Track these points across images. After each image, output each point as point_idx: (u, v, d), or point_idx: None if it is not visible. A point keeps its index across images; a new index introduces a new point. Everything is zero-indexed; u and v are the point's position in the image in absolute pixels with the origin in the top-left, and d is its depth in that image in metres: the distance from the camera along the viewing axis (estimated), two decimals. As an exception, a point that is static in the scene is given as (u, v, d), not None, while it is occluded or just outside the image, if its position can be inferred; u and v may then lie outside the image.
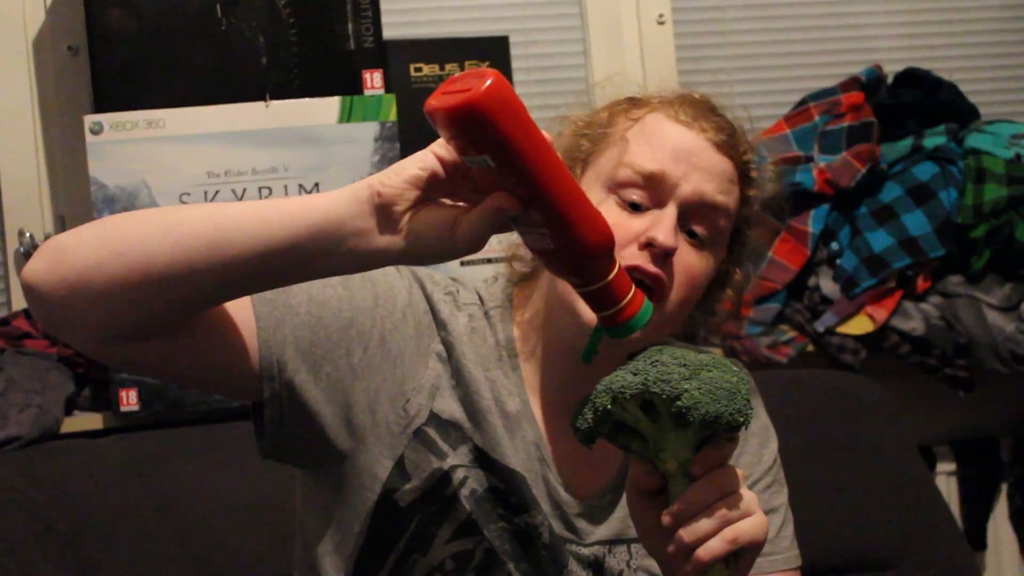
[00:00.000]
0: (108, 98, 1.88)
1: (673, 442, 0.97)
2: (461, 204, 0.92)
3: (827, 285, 2.29)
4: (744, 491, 0.99)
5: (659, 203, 1.15)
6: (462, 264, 1.91)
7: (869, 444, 2.02)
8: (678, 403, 0.95)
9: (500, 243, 1.16)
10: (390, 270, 1.19)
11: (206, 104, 1.88)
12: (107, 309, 0.95)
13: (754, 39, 2.53)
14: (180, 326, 1.01)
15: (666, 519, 0.98)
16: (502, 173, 0.88)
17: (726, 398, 0.95)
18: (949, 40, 2.60)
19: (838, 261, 2.30)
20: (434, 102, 0.88)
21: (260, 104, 1.90)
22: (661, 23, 2.45)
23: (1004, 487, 2.45)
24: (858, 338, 2.26)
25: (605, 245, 0.93)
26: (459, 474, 1.17)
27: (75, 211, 2.10)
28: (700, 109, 1.19)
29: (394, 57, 2.05)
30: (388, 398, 1.15)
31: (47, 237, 2.10)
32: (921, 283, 2.31)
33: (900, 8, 2.59)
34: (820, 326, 2.26)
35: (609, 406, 0.98)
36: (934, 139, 2.36)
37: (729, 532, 0.97)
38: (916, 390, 2.33)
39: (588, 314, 1.07)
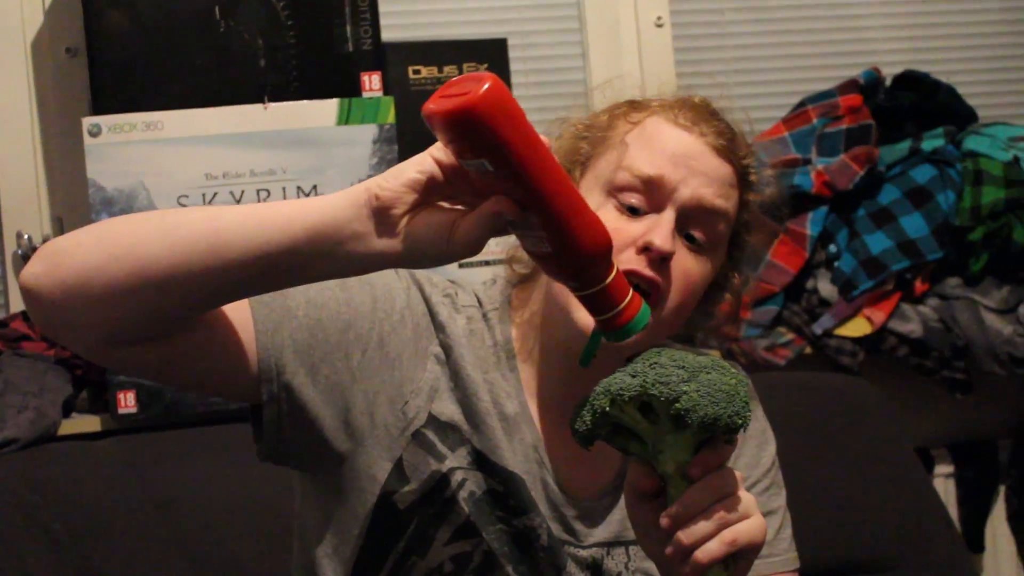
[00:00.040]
0: (106, 100, 1.88)
1: (671, 444, 0.98)
2: (459, 207, 0.92)
3: (825, 287, 2.30)
4: (742, 493, 0.99)
5: (657, 207, 1.15)
6: (460, 266, 1.91)
7: (867, 446, 2.02)
8: (677, 405, 0.95)
9: (498, 245, 1.16)
10: (388, 272, 1.19)
11: (204, 106, 1.88)
12: (105, 312, 0.95)
13: (752, 41, 2.53)
14: (178, 329, 1.01)
15: (664, 521, 0.98)
16: (500, 177, 0.88)
17: (725, 400, 0.95)
18: (947, 43, 2.61)
19: (836, 263, 2.31)
20: (432, 106, 0.88)
21: (258, 106, 1.90)
22: (659, 25, 2.45)
23: (1002, 489, 2.46)
24: (856, 340, 2.26)
25: (603, 249, 0.93)
26: (458, 476, 1.17)
27: (73, 213, 2.10)
28: (700, 113, 1.19)
29: (392, 59, 2.04)
30: (387, 400, 1.15)
31: (45, 239, 2.10)
32: (919, 285, 2.31)
33: (898, 11, 2.60)
34: (818, 328, 2.26)
35: (607, 408, 0.98)
36: (932, 142, 2.37)
37: (727, 534, 0.97)
38: (914, 392, 2.34)
39: (584, 319, 1.08)
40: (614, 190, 1.16)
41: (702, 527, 0.96)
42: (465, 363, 1.18)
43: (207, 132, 1.88)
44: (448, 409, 1.18)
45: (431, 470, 1.16)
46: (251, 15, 1.92)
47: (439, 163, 0.91)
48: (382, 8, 1.99)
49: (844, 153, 2.30)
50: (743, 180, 1.20)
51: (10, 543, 1.65)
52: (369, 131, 1.93)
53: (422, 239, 0.91)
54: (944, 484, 2.41)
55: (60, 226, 2.12)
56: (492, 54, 2.11)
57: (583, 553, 1.21)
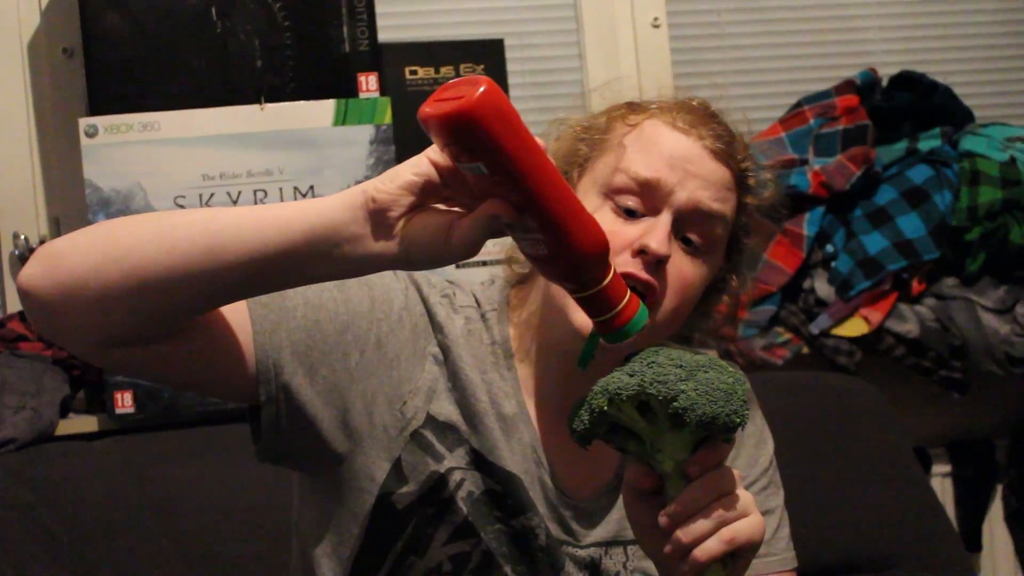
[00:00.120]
0: (103, 101, 1.88)
1: (670, 443, 0.98)
2: (456, 209, 0.92)
3: (822, 287, 2.30)
4: (741, 491, 0.99)
5: (654, 210, 1.15)
6: (458, 266, 1.91)
7: (864, 446, 2.02)
8: (675, 404, 0.95)
9: (496, 245, 1.16)
10: (387, 273, 1.19)
11: (201, 107, 1.88)
12: (103, 314, 0.95)
13: (749, 42, 2.53)
14: (176, 330, 1.01)
15: (663, 520, 0.98)
16: (496, 180, 0.88)
17: (723, 399, 0.95)
18: (944, 43, 2.61)
19: (833, 263, 2.31)
20: (427, 110, 0.88)
21: (255, 107, 1.90)
22: (656, 26, 2.45)
23: (999, 489, 2.46)
24: (853, 340, 2.26)
25: (600, 251, 0.93)
26: (456, 476, 1.17)
27: (70, 214, 2.10)
28: (698, 116, 1.19)
29: (389, 60, 2.04)
30: (385, 401, 1.16)
31: (42, 240, 2.10)
32: (916, 285, 2.31)
33: (895, 11, 2.60)
34: (815, 328, 2.26)
35: (605, 407, 0.98)
36: (929, 142, 2.37)
37: (726, 532, 0.97)
38: (911, 392, 2.34)
39: (582, 320, 1.08)
40: (611, 192, 1.16)
41: (700, 525, 0.96)
42: (463, 363, 1.18)
43: (204, 133, 1.88)
44: (446, 409, 1.18)
45: (429, 470, 1.17)
46: (248, 16, 1.92)
47: (436, 165, 0.91)
48: (379, 9, 1.99)
49: (841, 153, 2.31)
50: (741, 183, 1.20)
51: (8, 543, 1.65)
52: (366, 132, 1.93)
53: (419, 241, 0.91)
54: (942, 483, 2.41)
55: (57, 227, 2.12)
56: (489, 55, 2.11)
57: (581, 553, 1.21)
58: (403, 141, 1.93)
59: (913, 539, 1.97)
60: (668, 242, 1.13)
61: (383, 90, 1.97)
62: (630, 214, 1.15)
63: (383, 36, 2.04)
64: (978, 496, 2.44)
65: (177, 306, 0.97)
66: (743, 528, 0.98)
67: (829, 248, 2.32)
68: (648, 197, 1.15)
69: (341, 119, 1.92)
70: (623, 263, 1.12)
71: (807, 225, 2.30)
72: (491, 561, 1.18)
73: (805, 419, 2.01)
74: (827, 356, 2.26)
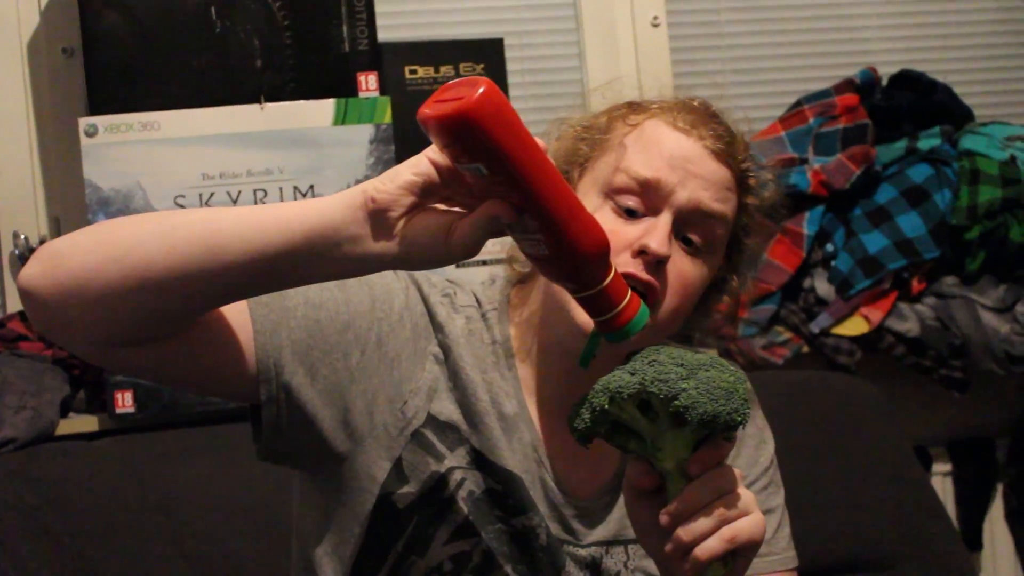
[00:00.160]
0: (103, 100, 1.88)
1: (671, 441, 0.98)
2: (456, 210, 0.92)
3: (822, 286, 2.30)
4: (742, 490, 0.99)
5: (654, 210, 1.15)
6: (458, 265, 1.91)
7: (865, 445, 2.02)
8: (676, 402, 0.95)
9: (495, 244, 1.16)
10: (387, 273, 1.19)
11: (201, 106, 1.88)
12: (103, 314, 0.95)
13: (749, 41, 2.53)
14: (176, 330, 1.01)
15: (664, 518, 0.98)
16: (496, 181, 0.88)
17: (724, 397, 0.95)
18: (943, 42, 2.61)
19: (833, 263, 2.31)
20: (427, 111, 0.88)
21: (255, 106, 1.90)
22: (656, 25, 2.45)
23: (1000, 487, 2.46)
24: (853, 339, 2.26)
25: (600, 251, 0.93)
26: (456, 476, 1.17)
27: (70, 213, 2.10)
28: (699, 116, 1.19)
29: (389, 59, 2.04)
30: (386, 400, 1.16)
31: (42, 240, 2.10)
32: (916, 284, 2.31)
33: (894, 10, 2.60)
34: (815, 327, 2.26)
35: (606, 406, 0.98)
36: (929, 141, 2.37)
37: (727, 531, 0.97)
38: (911, 391, 2.34)
39: (583, 318, 1.08)
40: (611, 192, 1.16)
41: (701, 524, 0.96)
42: (464, 363, 1.18)
43: (204, 132, 1.87)
44: (447, 409, 1.18)
45: (430, 470, 1.17)
46: (247, 15, 1.92)
47: (435, 165, 0.91)
48: (378, 8, 1.99)
49: (841, 152, 2.31)
50: (741, 184, 1.20)
51: (8, 543, 1.65)
52: (366, 131, 1.93)
53: (419, 241, 0.91)
54: (942, 482, 2.41)
55: (57, 226, 2.12)
56: (488, 54, 2.11)
57: (582, 552, 1.21)
58: (403, 140, 1.93)
59: (914, 538, 1.97)
60: (668, 242, 1.13)
61: (383, 89, 1.97)
62: (630, 214, 1.15)
63: (383, 35, 2.04)
64: (978, 495, 2.44)
65: (177, 306, 0.97)
66: (744, 527, 0.98)
67: (829, 247, 2.32)
68: (648, 197, 1.15)
69: (341, 118, 1.92)
70: (623, 263, 1.12)
71: (807, 224, 2.30)
72: (492, 560, 1.18)
73: (805, 418, 2.01)
74: (827, 355, 2.26)
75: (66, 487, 1.73)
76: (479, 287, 1.26)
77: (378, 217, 0.91)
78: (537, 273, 1.22)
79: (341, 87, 1.94)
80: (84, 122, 1.85)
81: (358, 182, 0.94)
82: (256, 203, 1.88)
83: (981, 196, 2.28)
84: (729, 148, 1.18)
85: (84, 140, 1.84)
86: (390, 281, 1.19)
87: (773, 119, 2.41)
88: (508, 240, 0.97)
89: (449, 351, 1.19)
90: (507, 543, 1.19)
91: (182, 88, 1.90)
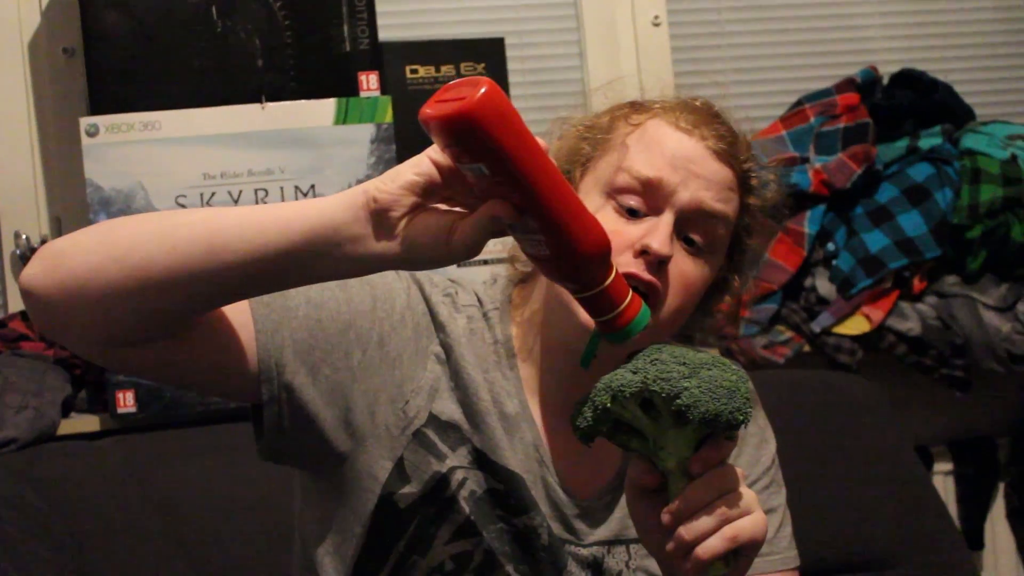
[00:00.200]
0: (104, 100, 1.88)
1: (672, 440, 0.98)
2: (457, 210, 0.92)
3: (823, 286, 2.30)
4: (744, 489, 0.99)
5: (656, 210, 1.15)
6: (459, 265, 1.91)
7: (866, 444, 2.02)
8: (678, 401, 0.95)
9: (496, 244, 1.16)
10: (389, 272, 1.19)
11: (202, 106, 1.88)
12: (105, 314, 0.95)
13: (750, 40, 2.53)
14: (178, 330, 1.01)
15: (665, 517, 0.98)
16: (497, 181, 0.88)
17: (726, 396, 0.95)
18: (944, 41, 2.61)
19: (834, 262, 2.31)
20: (428, 111, 0.88)
21: (256, 106, 1.90)
22: (656, 25, 2.45)
23: (1001, 486, 2.46)
24: (854, 338, 2.26)
25: (601, 251, 0.93)
26: (458, 476, 1.17)
27: (71, 213, 2.10)
28: (701, 116, 1.18)
29: (390, 59, 2.04)
30: (387, 400, 1.16)
31: (43, 239, 2.10)
32: (917, 283, 2.31)
33: (896, 9, 2.60)
34: (816, 327, 2.26)
35: (609, 404, 0.98)
36: (930, 140, 2.37)
37: (729, 530, 0.97)
38: (913, 390, 2.34)
39: (586, 318, 1.08)
40: (613, 192, 1.16)
41: (703, 523, 0.96)
42: (465, 362, 1.18)
43: (205, 132, 1.88)
44: (448, 408, 1.18)
45: (432, 470, 1.17)
46: (248, 15, 1.92)
47: (437, 165, 0.91)
48: (379, 8, 1.99)
49: (842, 152, 2.31)
50: (743, 184, 1.20)
51: (9, 543, 1.65)
52: (367, 131, 1.93)
53: (420, 241, 0.91)
54: (943, 482, 2.41)
55: (58, 226, 2.12)
56: (489, 54, 2.11)
57: (584, 552, 1.21)
58: (404, 140, 1.93)
59: (915, 537, 1.97)
60: (670, 242, 1.13)
61: (384, 89, 1.97)
62: (632, 214, 1.15)
63: (384, 35, 2.04)
64: (980, 494, 2.44)
65: (178, 305, 0.97)
66: (746, 526, 0.98)
67: (830, 246, 2.32)
68: (650, 197, 1.15)
69: (342, 118, 1.92)
70: (625, 263, 1.12)
71: (808, 223, 2.30)
72: (493, 560, 1.18)
73: (807, 418, 2.01)
74: (828, 354, 2.26)
75: (67, 487, 1.74)
76: (481, 286, 1.26)
77: (379, 217, 0.90)
78: (539, 273, 1.22)
79: (342, 87, 1.94)
80: (85, 122, 1.85)
81: (359, 182, 0.94)
82: (257, 203, 1.88)
83: (982, 195, 2.28)
84: (731, 148, 1.18)
85: (85, 140, 1.84)
86: (391, 281, 1.19)
87: (774, 118, 2.41)
88: (509, 239, 0.97)
89: (451, 350, 1.19)
90: (509, 543, 1.19)
91: (183, 88, 1.90)
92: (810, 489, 1.85)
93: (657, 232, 1.12)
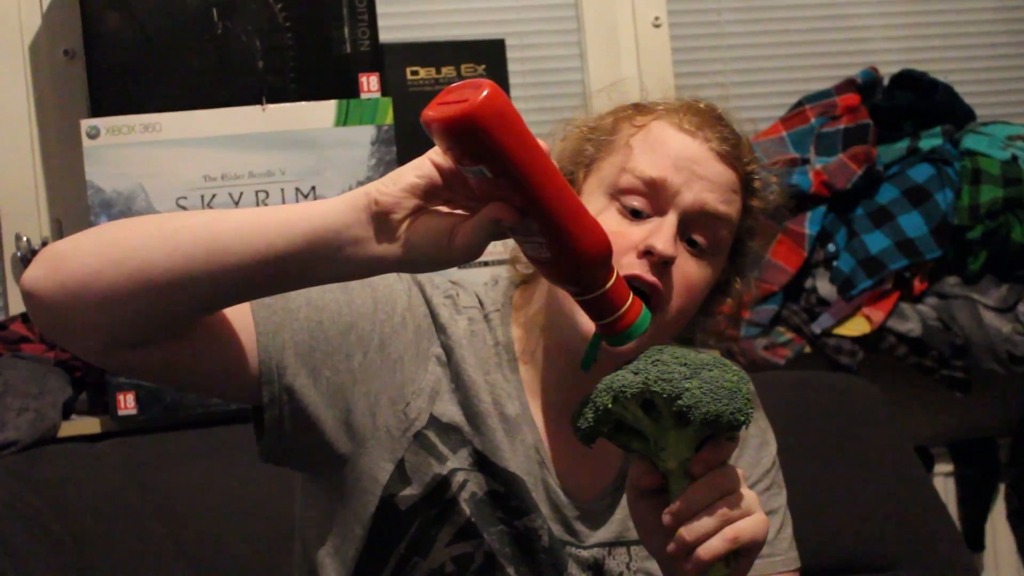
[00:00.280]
0: (104, 102, 1.88)
1: (674, 441, 0.98)
2: (459, 212, 0.92)
3: (824, 287, 2.30)
4: (745, 490, 0.99)
5: (660, 211, 1.15)
6: (460, 267, 1.91)
7: (866, 446, 2.02)
8: (679, 402, 0.95)
9: (497, 246, 1.16)
10: (390, 274, 1.18)
11: (203, 108, 1.88)
12: (106, 316, 0.95)
13: (750, 41, 2.53)
14: (179, 332, 1.01)
15: (666, 518, 0.98)
16: (498, 184, 0.88)
17: (727, 397, 0.95)
18: (945, 42, 2.61)
19: (835, 263, 2.31)
20: (430, 113, 0.88)
21: (257, 108, 1.90)
22: (657, 26, 2.45)
23: (1002, 487, 2.46)
24: (855, 339, 2.26)
25: (602, 254, 0.93)
26: (459, 477, 1.17)
27: (72, 215, 2.10)
28: (705, 118, 1.19)
29: (390, 60, 2.05)
30: (388, 402, 1.16)
31: (44, 241, 2.10)
32: (918, 284, 2.31)
33: (896, 10, 2.60)
34: (817, 328, 2.26)
35: (610, 405, 0.98)
36: (930, 141, 2.37)
37: (730, 531, 0.97)
38: (913, 391, 2.34)
39: (587, 323, 1.08)
40: (617, 193, 1.16)
41: (704, 524, 0.96)
42: (466, 364, 1.18)
43: (205, 134, 1.88)
44: (449, 410, 1.18)
45: (432, 471, 1.17)
46: (249, 17, 1.92)
47: (438, 167, 0.91)
48: (380, 9, 1.99)
49: (842, 153, 2.31)
50: (746, 186, 1.20)
51: (10, 545, 1.65)
52: (367, 132, 1.93)
53: (422, 244, 0.91)
54: (944, 483, 2.41)
55: (59, 228, 2.12)
56: (490, 55, 2.11)
57: (584, 554, 1.22)
58: (404, 142, 1.93)
59: (915, 538, 1.97)
60: (674, 243, 1.13)
61: (384, 90, 1.97)
62: (636, 215, 1.15)
63: (384, 36, 2.04)
64: (980, 495, 2.44)
65: (180, 308, 0.97)
66: (747, 527, 0.98)
67: (831, 247, 2.32)
68: (654, 198, 1.15)
69: (342, 120, 1.92)
70: (628, 264, 1.12)
71: (809, 224, 2.30)
72: (494, 562, 1.18)
73: (807, 419, 2.01)
74: (829, 356, 2.26)
75: (68, 489, 1.74)
76: (482, 288, 1.26)
77: (381, 219, 0.91)
78: (540, 275, 1.22)
79: (342, 88, 1.94)
80: (86, 124, 1.85)
81: (360, 183, 0.94)
82: (258, 204, 1.88)
83: (983, 196, 2.28)
84: (735, 150, 1.18)
85: (86, 142, 1.85)
86: (392, 282, 1.19)
87: (774, 119, 2.41)
88: (511, 241, 0.97)
89: (452, 352, 1.19)
90: (509, 544, 1.19)
91: (184, 89, 1.90)
92: (811, 490, 1.85)
93: (661, 233, 1.12)
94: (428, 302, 1.20)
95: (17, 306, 2.09)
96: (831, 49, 2.56)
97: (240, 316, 1.08)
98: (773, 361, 2.23)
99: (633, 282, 1.10)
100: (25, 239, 2.07)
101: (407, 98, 2.03)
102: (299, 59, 1.94)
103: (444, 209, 0.93)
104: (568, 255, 0.92)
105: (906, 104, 2.42)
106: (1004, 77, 2.64)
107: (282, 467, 1.19)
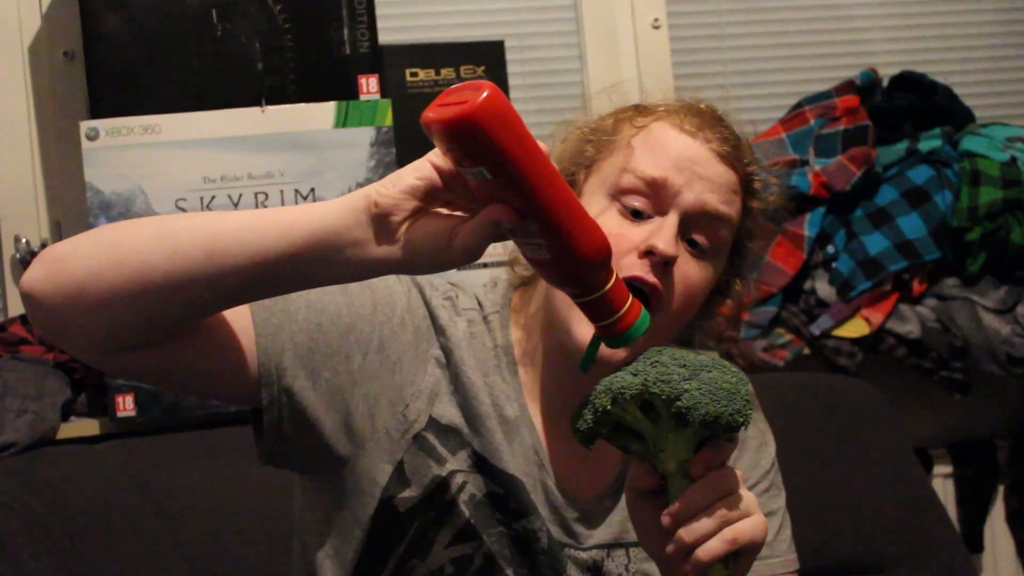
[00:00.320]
0: (104, 104, 1.88)
1: (672, 442, 0.98)
2: (458, 214, 0.92)
3: (823, 288, 2.30)
4: (743, 491, 0.99)
5: (661, 211, 1.15)
6: (459, 268, 1.91)
7: (866, 447, 2.02)
8: (678, 403, 0.95)
9: (496, 247, 1.16)
10: (389, 276, 1.19)
11: (202, 109, 1.88)
12: (106, 318, 0.95)
13: (749, 43, 2.53)
14: (178, 334, 1.01)
15: (665, 519, 0.98)
16: (498, 185, 0.88)
17: (726, 399, 0.95)
18: (944, 43, 2.61)
19: (834, 264, 2.31)
20: (430, 114, 0.88)
21: (256, 109, 1.90)
22: (656, 27, 2.45)
23: (1001, 489, 2.46)
24: (854, 341, 2.26)
25: (601, 256, 0.93)
26: (458, 479, 1.17)
27: (71, 217, 2.10)
28: (705, 119, 1.19)
29: (390, 62, 2.05)
30: (387, 404, 1.16)
31: (43, 243, 2.10)
32: (917, 286, 2.31)
33: (895, 11, 2.60)
34: (816, 329, 2.26)
35: (609, 407, 0.98)
36: (929, 142, 2.37)
37: (728, 532, 0.97)
38: (912, 393, 2.34)
39: (582, 331, 1.09)
40: (618, 193, 1.16)
41: (703, 525, 0.97)
42: (465, 366, 1.18)
43: (205, 135, 1.88)
44: (448, 412, 1.18)
45: (432, 473, 1.17)
46: (248, 19, 1.92)
47: (438, 169, 0.91)
48: (379, 11, 1.99)
49: (841, 154, 2.31)
50: (747, 187, 1.20)
51: (9, 546, 1.65)
52: (367, 134, 1.93)
53: (421, 246, 0.91)
54: (943, 484, 2.41)
55: (58, 230, 2.12)
56: (489, 57, 2.11)
57: (583, 555, 1.22)
58: (404, 143, 1.93)
59: (914, 540, 1.96)
60: (675, 243, 1.13)
61: (384, 92, 1.97)
62: (636, 215, 1.15)
63: (383, 38, 2.04)
64: (979, 497, 2.44)
65: (179, 309, 0.97)
66: (746, 528, 0.98)
67: (830, 249, 2.32)
68: (655, 198, 1.15)
69: (342, 121, 1.92)
70: (629, 265, 1.12)
71: (808, 226, 2.30)
72: (493, 564, 1.18)
73: (806, 420, 2.01)
74: (828, 357, 2.26)
75: (67, 491, 1.73)
76: (481, 290, 1.26)
77: (381, 221, 0.91)
78: (539, 277, 1.22)
79: (342, 90, 1.94)
80: (85, 125, 1.85)
81: (359, 185, 0.94)
82: (257, 206, 1.88)
83: (982, 197, 2.28)
84: (735, 151, 1.18)
85: (85, 143, 1.84)
86: (392, 284, 1.19)
87: (774, 120, 2.41)
88: (510, 243, 0.97)
89: (451, 354, 1.19)
90: (508, 546, 1.19)
91: (183, 91, 1.90)
92: (810, 492, 1.85)
93: (662, 233, 1.12)
94: (427, 304, 1.20)
95: (16, 308, 2.09)
96: (830, 50, 2.56)
97: (239, 318, 1.08)
98: (772, 363, 2.23)
99: (634, 283, 1.10)
100: (24, 241, 2.07)
101: (406, 100, 2.03)
102: (298, 61, 1.94)
103: (444, 211, 0.93)
104: (567, 257, 0.92)
105: (905, 105, 2.42)
106: (1003, 79, 2.64)
107: (281, 469, 1.19)
